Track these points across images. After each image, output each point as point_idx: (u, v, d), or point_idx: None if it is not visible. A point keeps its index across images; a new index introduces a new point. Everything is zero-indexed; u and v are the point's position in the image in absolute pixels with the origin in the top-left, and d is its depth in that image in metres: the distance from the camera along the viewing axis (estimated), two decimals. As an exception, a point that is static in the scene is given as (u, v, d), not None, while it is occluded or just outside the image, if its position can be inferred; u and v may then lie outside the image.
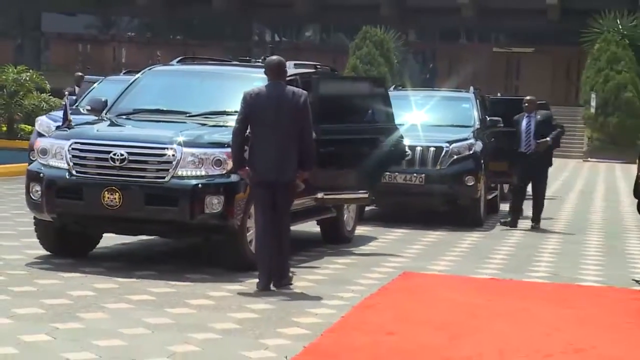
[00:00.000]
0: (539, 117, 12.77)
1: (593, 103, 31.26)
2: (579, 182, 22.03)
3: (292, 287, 7.96)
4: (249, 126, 7.89)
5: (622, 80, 30.77)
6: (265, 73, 8.14)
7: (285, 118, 7.87)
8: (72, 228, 8.79)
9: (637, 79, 31.22)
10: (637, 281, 8.96)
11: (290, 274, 8.19)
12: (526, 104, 12.80)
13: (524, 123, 12.70)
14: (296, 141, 7.89)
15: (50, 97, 22.60)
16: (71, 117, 9.71)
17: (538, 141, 12.49)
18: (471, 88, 14.92)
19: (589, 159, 30.51)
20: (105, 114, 9.56)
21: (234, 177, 8.30)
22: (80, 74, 20.57)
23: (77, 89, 18.96)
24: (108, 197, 8.22)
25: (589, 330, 6.89)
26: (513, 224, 12.80)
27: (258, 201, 8.01)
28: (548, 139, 12.60)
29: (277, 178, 7.84)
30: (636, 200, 9.33)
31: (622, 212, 15.70)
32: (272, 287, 7.80)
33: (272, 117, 7.86)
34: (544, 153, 12.78)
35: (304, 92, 8.06)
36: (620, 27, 32.18)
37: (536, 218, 12.87)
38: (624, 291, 8.59)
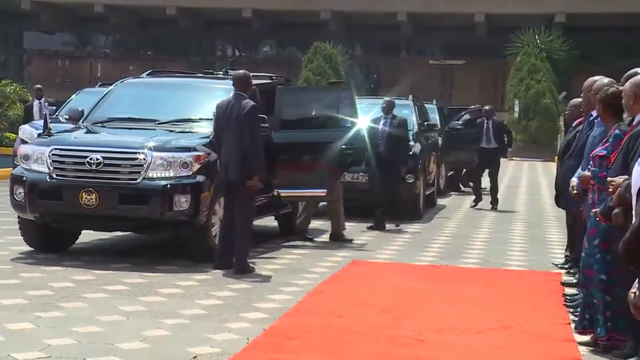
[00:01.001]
0: (495, 120, 14.89)
1: (516, 109, 31.57)
2: (505, 178, 22.21)
3: (252, 276, 7.93)
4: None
5: (540, 88, 31.09)
6: (233, 84, 8.29)
7: (234, 125, 8.03)
8: (53, 226, 8.67)
9: (554, 87, 31.59)
10: (555, 265, 9.05)
11: (252, 265, 8.16)
12: (486, 110, 15.07)
13: (485, 125, 14.65)
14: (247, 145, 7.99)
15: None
16: (51, 125, 9.58)
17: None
18: (410, 96, 15.03)
19: (513, 158, 30.81)
20: (82, 122, 9.45)
21: (199, 178, 8.28)
22: (39, 86, 20.17)
23: (36, 101, 18.65)
24: (85, 198, 8.12)
25: (515, 309, 6.94)
26: (476, 203, 14.65)
27: (223, 198, 8.22)
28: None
29: (230, 178, 8.03)
30: (554, 193, 9.42)
31: (543, 204, 15.86)
32: (233, 274, 7.89)
33: (226, 124, 8.09)
34: (499, 148, 14.72)
35: (252, 102, 8.10)
36: (539, 41, 32.51)
37: (494, 200, 14.59)
38: (545, 274, 8.68)
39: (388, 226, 11.45)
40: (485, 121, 14.71)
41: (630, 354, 5.24)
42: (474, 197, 14.89)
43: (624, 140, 5.07)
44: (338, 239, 10.26)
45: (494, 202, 14.58)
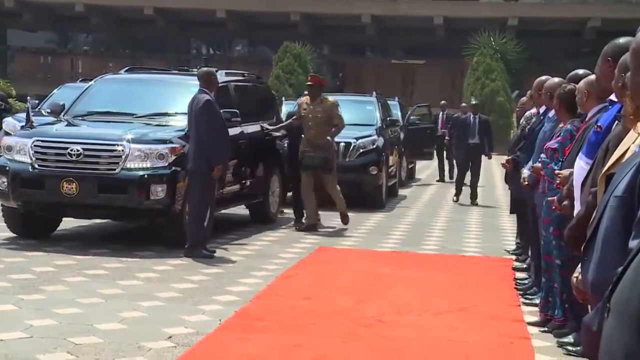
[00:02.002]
0: (481, 117, 14.34)
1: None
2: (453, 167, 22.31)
3: (224, 261, 7.91)
4: None
5: (495, 87, 31.30)
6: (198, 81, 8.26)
7: (193, 118, 8.06)
8: (35, 213, 8.57)
9: (507, 86, 31.84)
10: (507, 251, 9.13)
11: (208, 252, 8.05)
12: (472, 106, 14.69)
13: (471, 121, 14.10)
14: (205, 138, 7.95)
15: (16, 101, 21.96)
16: (33, 118, 9.46)
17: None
18: (374, 93, 15.03)
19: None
20: (63, 115, 9.34)
21: (175, 169, 8.22)
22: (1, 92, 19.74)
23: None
24: (66, 187, 8.04)
25: (470, 292, 6.99)
26: (457, 199, 14.04)
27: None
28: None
29: (189, 168, 8.03)
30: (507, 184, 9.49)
31: (497, 194, 15.98)
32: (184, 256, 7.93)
33: (190, 118, 8.12)
34: (480, 145, 14.00)
35: (206, 97, 8.05)
36: (493, 43, 32.73)
37: (474, 195, 13.89)
38: (498, 259, 8.75)
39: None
40: (471, 116, 14.23)
41: (568, 333, 5.33)
42: (432, 186, 14.91)
43: (577, 135, 5.12)
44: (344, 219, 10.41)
45: (474, 196, 13.86)
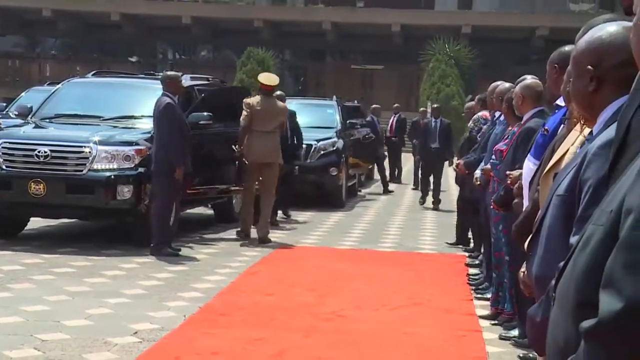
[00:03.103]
0: (442, 121, 13.49)
1: (429, 110, 32.01)
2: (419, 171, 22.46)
3: (189, 259, 7.87)
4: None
5: (450, 92, 31.55)
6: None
7: (154, 121, 8.02)
8: (3, 213, 8.43)
9: (461, 91, 32.14)
10: (449, 244, 9.22)
11: (172, 250, 8.00)
12: (434, 109, 14.16)
13: (432, 124, 13.35)
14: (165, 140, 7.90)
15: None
16: (1, 120, 9.31)
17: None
18: (334, 97, 15.07)
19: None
20: (31, 118, 9.22)
21: (141, 170, 8.15)
22: None
23: None
24: (34, 187, 7.93)
25: (425, 287, 7.05)
26: (423, 201, 13.45)
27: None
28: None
29: (153, 169, 7.95)
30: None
31: (451, 193, 16.09)
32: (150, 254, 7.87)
33: (154, 121, 8.06)
34: (440, 149, 13.18)
35: (166, 100, 7.99)
36: (448, 50, 33.02)
37: (436, 201, 13.21)
38: (452, 256, 8.83)
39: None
40: (433, 120, 13.54)
41: (515, 326, 5.42)
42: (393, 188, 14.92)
43: (514, 137, 5.20)
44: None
45: (436, 201, 13.18)
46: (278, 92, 10.22)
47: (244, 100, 9.39)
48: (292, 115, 11.22)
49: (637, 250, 1.17)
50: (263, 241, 8.94)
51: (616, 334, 1.16)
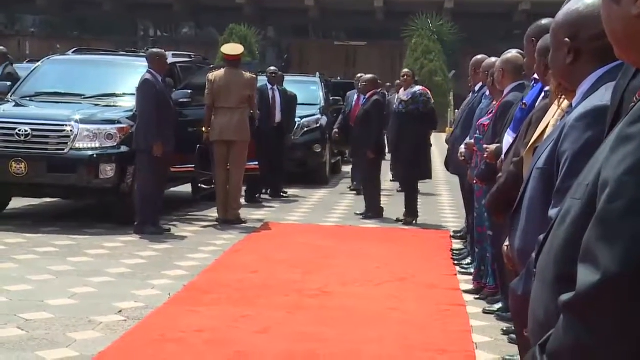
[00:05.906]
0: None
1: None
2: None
3: (173, 237, 7.86)
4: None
5: (433, 67, 31.56)
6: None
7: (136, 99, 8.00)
8: (-16, 193, 8.37)
9: (444, 67, 32.15)
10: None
11: (164, 229, 7.99)
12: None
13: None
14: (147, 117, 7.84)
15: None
16: (-20, 99, 9.21)
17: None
18: (317, 74, 15.02)
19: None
20: (11, 96, 9.12)
21: (123, 148, 8.11)
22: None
23: None
24: (15, 167, 7.88)
25: (409, 263, 7.09)
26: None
27: None
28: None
29: (134, 146, 7.92)
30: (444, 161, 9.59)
31: (435, 170, 16.12)
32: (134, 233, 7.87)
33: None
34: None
35: (146, 77, 7.91)
36: (431, 25, 32.98)
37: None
38: (435, 232, 8.88)
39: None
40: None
41: (499, 300, 5.47)
42: None
43: (495, 110, 5.22)
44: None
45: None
46: (272, 68, 10.12)
47: (207, 75, 8.84)
48: (293, 98, 11.24)
49: (612, 223, 1.18)
50: (233, 222, 8.58)
51: (594, 307, 1.18)
